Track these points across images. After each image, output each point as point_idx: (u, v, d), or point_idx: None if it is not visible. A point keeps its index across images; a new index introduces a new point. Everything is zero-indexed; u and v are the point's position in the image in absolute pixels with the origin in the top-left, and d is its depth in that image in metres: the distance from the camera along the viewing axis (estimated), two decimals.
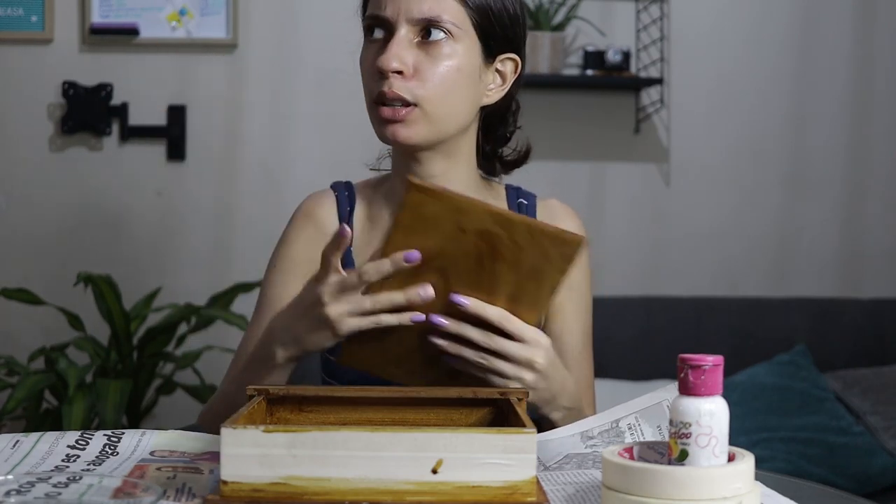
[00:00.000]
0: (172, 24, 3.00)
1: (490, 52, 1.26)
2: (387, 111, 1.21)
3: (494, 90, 1.29)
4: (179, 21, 3.00)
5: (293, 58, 3.06)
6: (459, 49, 1.23)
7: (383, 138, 1.25)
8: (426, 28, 1.21)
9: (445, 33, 1.21)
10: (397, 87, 1.20)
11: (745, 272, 3.23)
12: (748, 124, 3.24)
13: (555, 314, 1.35)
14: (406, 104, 1.21)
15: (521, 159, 1.39)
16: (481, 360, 1.07)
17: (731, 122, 3.23)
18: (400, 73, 1.20)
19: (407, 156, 1.29)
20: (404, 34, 1.21)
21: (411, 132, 1.22)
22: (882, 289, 3.25)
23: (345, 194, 1.37)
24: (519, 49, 1.30)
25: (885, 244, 3.29)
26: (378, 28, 1.23)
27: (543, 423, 1.19)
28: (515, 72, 1.30)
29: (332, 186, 1.40)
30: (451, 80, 1.22)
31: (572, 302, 1.35)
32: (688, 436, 0.82)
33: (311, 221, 1.36)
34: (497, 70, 1.28)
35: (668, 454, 0.84)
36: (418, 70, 1.21)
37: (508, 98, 1.32)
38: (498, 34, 1.26)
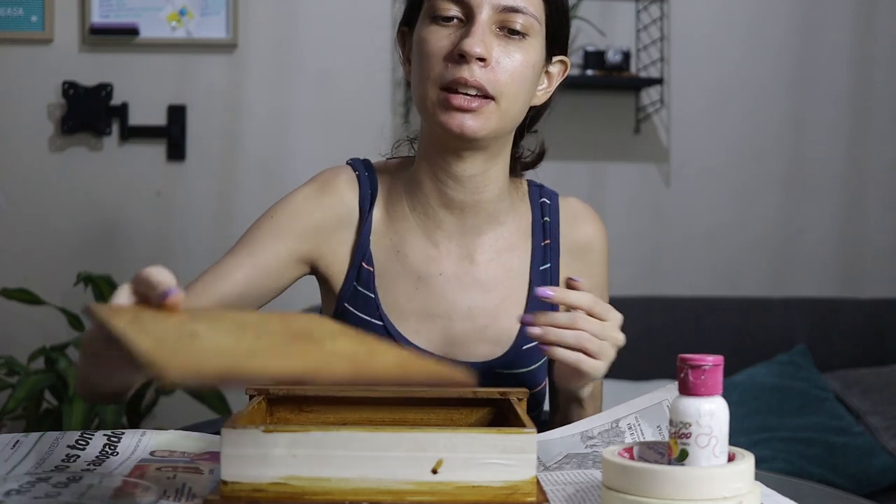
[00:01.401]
0: (172, 24, 3.00)
1: (549, 52, 1.23)
2: (459, 99, 1.14)
3: (542, 93, 1.26)
4: (179, 21, 3.00)
5: (293, 58, 3.06)
6: (535, 44, 1.19)
7: (444, 127, 1.16)
8: (507, 17, 1.16)
9: (524, 26, 1.17)
10: (478, 74, 1.14)
11: (745, 272, 3.23)
12: (748, 124, 3.24)
13: None
14: (484, 95, 1.15)
15: (537, 160, 1.36)
16: (576, 341, 1.05)
17: (731, 123, 3.23)
18: (483, 60, 1.14)
19: (448, 151, 1.21)
20: (486, 20, 1.15)
21: (479, 125, 1.16)
22: (882, 289, 3.25)
23: (365, 174, 1.30)
24: (566, 51, 1.27)
25: (885, 244, 3.29)
26: (454, 9, 1.17)
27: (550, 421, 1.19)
28: (562, 74, 1.27)
29: (350, 164, 1.32)
30: (524, 76, 1.18)
31: None
32: (688, 436, 0.82)
33: (329, 193, 1.27)
34: (547, 72, 1.25)
35: (668, 454, 0.84)
36: (497, 62, 1.15)
37: (549, 101, 1.29)
38: (560, 34, 1.23)
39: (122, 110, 2.99)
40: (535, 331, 1.06)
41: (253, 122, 3.05)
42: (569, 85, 3.47)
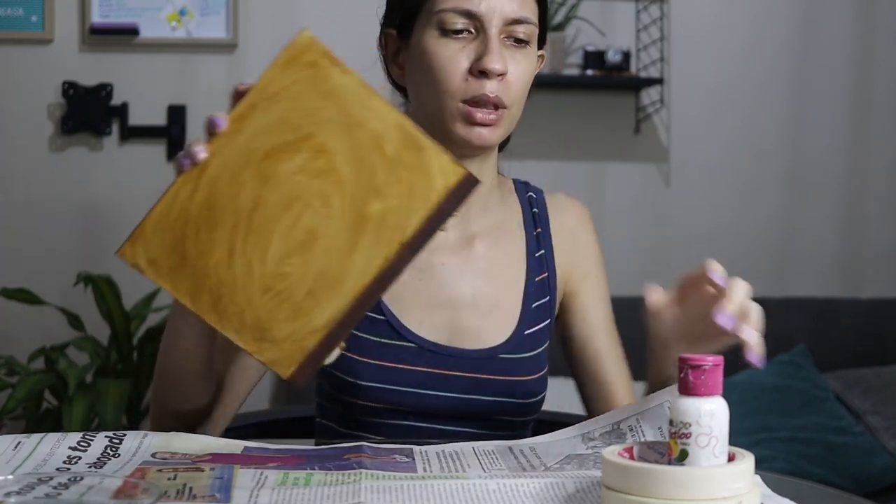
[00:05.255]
0: (172, 24, 3.00)
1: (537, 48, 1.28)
2: (481, 115, 1.19)
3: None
4: (179, 21, 3.00)
5: None
6: (534, 49, 1.24)
7: (463, 140, 1.21)
8: (513, 28, 1.20)
9: (527, 35, 1.21)
10: (497, 89, 1.19)
11: (745, 272, 3.20)
12: (748, 124, 3.24)
13: (574, 297, 1.35)
14: (497, 107, 1.20)
15: (504, 143, 1.39)
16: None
17: (731, 122, 3.23)
18: (501, 75, 1.19)
19: (456, 152, 1.26)
20: (497, 32, 1.19)
21: (495, 135, 1.21)
22: (882, 289, 3.25)
23: None
24: (545, 43, 1.32)
25: (885, 244, 3.29)
26: (464, 22, 1.20)
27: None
28: (540, 66, 1.32)
29: None
30: (528, 82, 1.23)
31: (589, 284, 1.36)
32: (688, 436, 0.82)
33: None
34: None
35: (668, 454, 0.84)
36: (511, 73, 1.20)
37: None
38: (545, 31, 1.28)
39: (122, 110, 2.99)
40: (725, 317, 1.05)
41: None
42: (569, 85, 3.48)
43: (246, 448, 1.05)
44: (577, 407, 1.41)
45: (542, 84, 3.10)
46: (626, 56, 3.06)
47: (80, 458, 0.99)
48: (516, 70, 1.20)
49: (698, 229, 3.22)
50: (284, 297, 0.92)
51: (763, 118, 3.24)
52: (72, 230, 2.99)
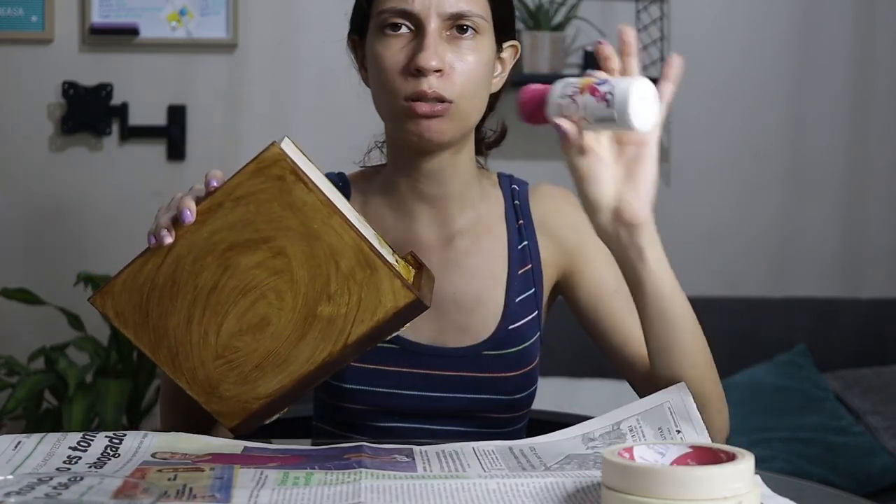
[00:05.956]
0: (172, 24, 3.00)
1: (499, 40, 1.27)
2: (423, 107, 1.18)
3: (498, 79, 1.29)
4: (179, 21, 3.00)
5: (293, 57, 3.06)
6: (485, 41, 1.23)
7: (412, 135, 1.21)
8: (455, 23, 1.20)
9: (473, 28, 1.21)
10: (436, 85, 1.18)
11: (745, 272, 3.23)
12: (748, 124, 3.24)
13: (574, 276, 1.31)
14: (441, 101, 1.19)
15: (499, 139, 1.40)
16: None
17: (731, 122, 3.23)
18: (439, 71, 1.18)
19: (416, 151, 1.26)
20: (435, 29, 1.19)
21: (444, 129, 1.20)
22: (882, 289, 3.25)
23: (339, 185, 1.35)
24: (514, 34, 1.31)
25: (885, 244, 3.29)
26: (402, 22, 1.20)
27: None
28: (514, 57, 1.31)
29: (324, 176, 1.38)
30: (479, 74, 1.22)
31: (583, 257, 1.31)
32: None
33: None
34: (500, 58, 1.29)
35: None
36: (452, 68, 1.19)
37: (504, 85, 1.32)
38: (507, 21, 1.27)
39: (122, 110, 2.99)
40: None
41: (253, 122, 3.05)
42: None
43: (246, 448, 1.05)
44: (577, 407, 1.41)
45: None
46: None
47: (80, 458, 0.99)
48: (461, 65, 1.19)
49: (698, 229, 3.21)
50: (234, 366, 1.01)
51: (763, 118, 3.24)
52: (72, 230, 2.99)
